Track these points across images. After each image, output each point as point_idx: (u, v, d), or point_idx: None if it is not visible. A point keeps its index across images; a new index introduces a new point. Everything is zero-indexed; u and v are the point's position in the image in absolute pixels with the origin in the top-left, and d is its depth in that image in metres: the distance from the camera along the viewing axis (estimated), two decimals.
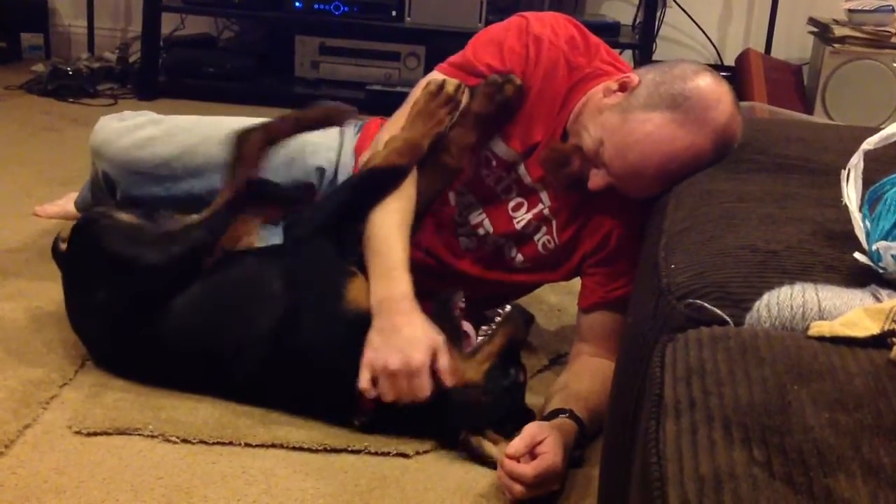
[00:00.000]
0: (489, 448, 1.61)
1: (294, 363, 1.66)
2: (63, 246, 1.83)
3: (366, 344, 1.60)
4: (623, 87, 1.70)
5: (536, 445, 1.52)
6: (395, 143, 1.73)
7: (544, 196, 1.85)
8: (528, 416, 1.68)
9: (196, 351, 1.70)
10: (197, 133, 2.03)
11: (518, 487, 1.49)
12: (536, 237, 1.88)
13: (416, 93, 1.80)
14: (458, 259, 1.93)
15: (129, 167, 2.02)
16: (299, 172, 2.01)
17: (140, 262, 1.71)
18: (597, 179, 1.71)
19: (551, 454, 1.51)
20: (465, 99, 1.77)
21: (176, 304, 1.70)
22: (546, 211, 1.86)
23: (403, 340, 1.57)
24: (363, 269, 1.68)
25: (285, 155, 1.97)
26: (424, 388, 1.57)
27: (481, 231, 1.91)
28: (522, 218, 1.87)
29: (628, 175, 1.66)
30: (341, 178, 2.01)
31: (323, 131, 2.03)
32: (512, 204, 1.88)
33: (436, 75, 1.81)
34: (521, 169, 1.84)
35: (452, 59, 1.83)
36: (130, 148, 2.02)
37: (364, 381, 1.59)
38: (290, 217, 1.78)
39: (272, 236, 1.89)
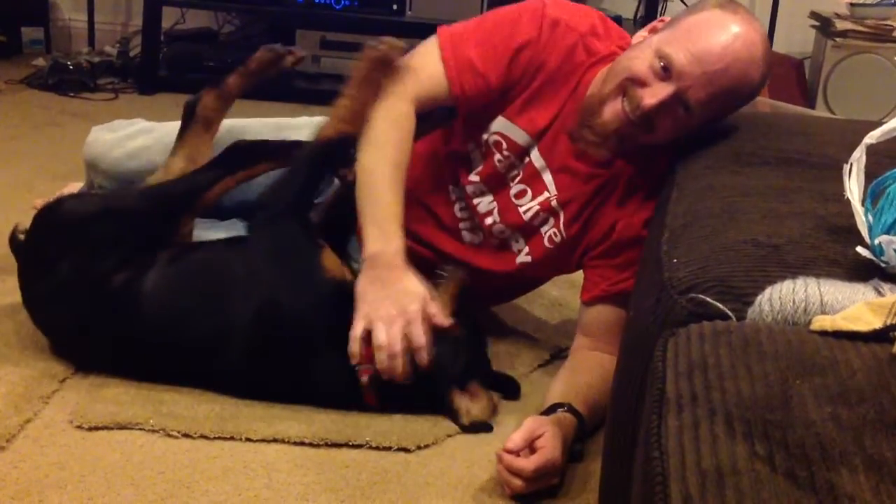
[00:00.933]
0: (459, 402, 1.67)
1: (284, 342, 1.66)
2: (21, 237, 1.82)
3: (357, 297, 1.63)
4: (653, 30, 1.74)
5: (535, 440, 1.52)
6: (339, 112, 1.76)
7: (550, 183, 1.83)
8: (486, 365, 1.79)
9: (170, 344, 1.69)
10: None
11: (517, 482, 1.49)
12: (543, 229, 1.87)
13: (415, 54, 1.82)
14: (464, 252, 1.93)
15: (124, 178, 2.02)
16: None
17: (121, 208, 1.74)
18: (650, 97, 1.66)
19: (550, 448, 1.51)
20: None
21: (144, 295, 1.69)
22: (553, 201, 1.84)
23: (398, 292, 1.61)
24: (328, 242, 1.73)
25: None
26: (421, 334, 1.60)
27: (489, 220, 1.89)
28: (529, 207, 1.86)
29: (694, 64, 1.64)
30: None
31: (312, 128, 2.02)
32: (514, 191, 1.86)
33: (427, 43, 1.83)
34: (535, 153, 1.83)
35: (456, 27, 1.84)
36: (124, 159, 2.02)
37: (358, 329, 1.61)
38: (258, 200, 1.79)
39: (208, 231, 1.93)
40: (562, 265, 1.93)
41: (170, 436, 1.58)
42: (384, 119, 1.73)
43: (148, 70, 3.99)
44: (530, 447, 1.51)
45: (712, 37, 1.65)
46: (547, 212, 1.86)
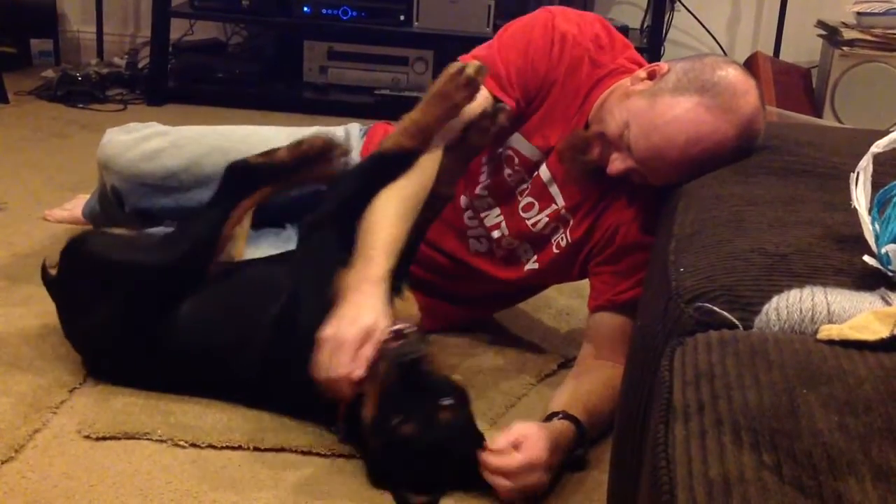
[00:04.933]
0: None
1: (288, 352, 1.63)
2: (52, 271, 1.82)
3: None
4: (652, 75, 1.71)
5: (520, 442, 1.51)
6: (405, 124, 1.70)
7: (557, 195, 1.84)
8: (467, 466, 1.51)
9: (207, 356, 1.69)
10: (204, 143, 2.04)
11: (502, 481, 1.48)
12: (554, 238, 1.88)
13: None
14: (471, 257, 1.94)
15: (138, 180, 2.03)
16: (309, 186, 2.01)
17: (142, 263, 1.72)
18: (617, 163, 1.70)
19: (532, 445, 1.50)
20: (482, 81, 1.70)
21: (185, 312, 1.70)
22: (563, 211, 1.85)
23: (346, 314, 1.52)
24: None
25: None
26: (341, 365, 1.48)
27: (496, 233, 1.90)
28: (536, 219, 1.87)
29: (650, 157, 1.65)
30: None
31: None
32: (523, 203, 1.87)
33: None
34: (543, 167, 1.84)
35: (478, 52, 1.82)
36: (138, 160, 2.03)
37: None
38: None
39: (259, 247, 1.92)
40: (565, 272, 1.93)
41: (178, 446, 1.59)
42: None
43: (156, 81, 4.00)
44: (516, 448, 1.51)
45: (676, 137, 1.63)
46: (556, 221, 1.86)
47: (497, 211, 1.90)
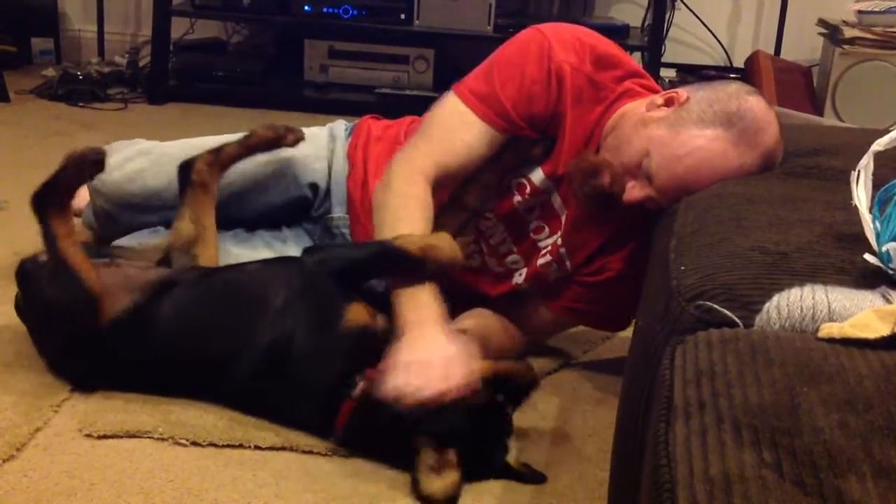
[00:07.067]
0: (425, 476, 1.50)
1: (285, 373, 1.63)
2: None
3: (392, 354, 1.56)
4: (669, 102, 1.69)
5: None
6: (439, 243, 1.68)
7: (566, 222, 1.85)
8: (501, 465, 1.57)
9: (189, 355, 1.69)
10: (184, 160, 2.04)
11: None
12: (549, 272, 1.90)
13: (435, 113, 1.81)
14: (458, 273, 1.94)
15: (123, 201, 2.04)
16: (294, 191, 2.02)
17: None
18: (635, 192, 1.69)
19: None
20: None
21: (173, 309, 1.69)
22: (559, 241, 1.86)
23: (419, 344, 1.55)
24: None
25: (275, 175, 1.99)
26: (436, 380, 1.50)
27: (503, 249, 1.91)
28: (544, 243, 1.88)
29: (672, 188, 1.64)
30: (336, 187, 2.02)
31: (310, 140, 2.02)
32: (533, 226, 1.88)
33: (455, 103, 1.79)
34: (555, 195, 1.84)
35: (474, 85, 1.79)
36: (122, 182, 2.04)
37: (389, 372, 1.53)
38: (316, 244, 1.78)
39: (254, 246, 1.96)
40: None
41: (179, 444, 1.59)
42: (401, 195, 1.73)
43: (157, 80, 4.00)
44: None
45: (700, 169, 1.63)
46: (555, 256, 1.87)
47: (502, 227, 1.89)
